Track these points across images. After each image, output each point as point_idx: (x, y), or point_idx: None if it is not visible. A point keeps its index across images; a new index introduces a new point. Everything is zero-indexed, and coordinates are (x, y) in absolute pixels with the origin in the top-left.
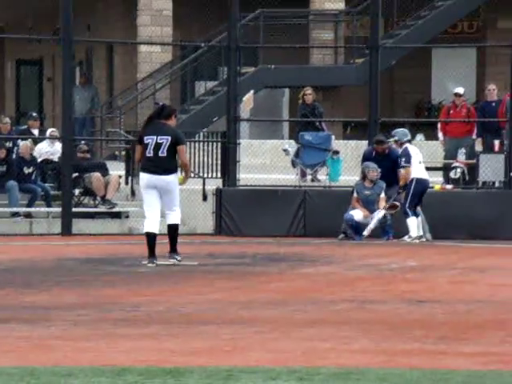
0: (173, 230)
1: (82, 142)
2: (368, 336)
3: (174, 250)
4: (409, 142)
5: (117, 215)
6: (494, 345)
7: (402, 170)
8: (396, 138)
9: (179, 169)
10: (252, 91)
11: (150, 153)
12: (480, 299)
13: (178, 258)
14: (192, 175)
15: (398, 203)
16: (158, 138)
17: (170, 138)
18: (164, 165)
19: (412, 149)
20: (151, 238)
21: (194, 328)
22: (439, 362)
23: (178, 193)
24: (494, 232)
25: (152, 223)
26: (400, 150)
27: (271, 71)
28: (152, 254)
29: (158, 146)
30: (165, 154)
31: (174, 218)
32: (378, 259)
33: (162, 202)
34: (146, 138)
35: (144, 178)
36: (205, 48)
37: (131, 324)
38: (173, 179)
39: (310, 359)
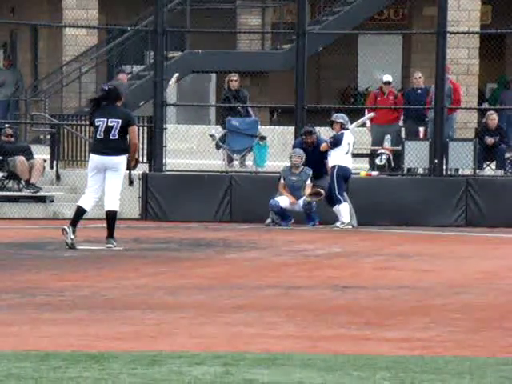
0: (111, 217)
1: (6, 125)
2: (293, 321)
3: (111, 235)
4: (346, 129)
5: (41, 199)
6: (417, 330)
7: (324, 143)
8: (341, 120)
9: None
10: (177, 74)
11: (100, 135)
12: (404, 285)
13: (114, 244)
14: None
15: (321, 191)
16: (109, 120)
17: (120, 121)
18: (115, 146)
19: (347, 137)
20: (79, 211)
21: (119, 313)
22: (363, 348)
23: (122, 179)
24: (418, 218)
25: (87, 200)
26: (334, 134)
27: (198, 56)
28: (73, 223)
29: (108, 128)
30: (116, 137)
31: (113, 204)
32: (304, 245)
33: (104, 185)
34: (96, 120)
35: (94, 159)
36: (131, 32)
37: (55, 309)
38: (122, 160)
39: (236, 344)
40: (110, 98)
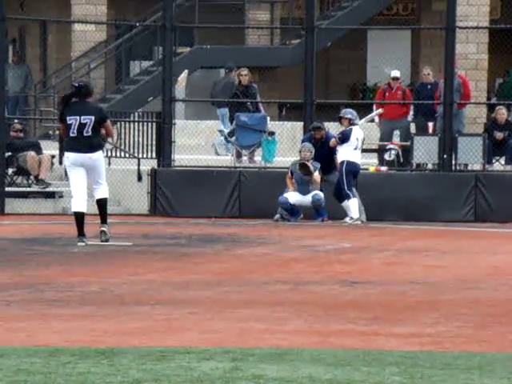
0: (102, 204)
1: (16, 120)
2: (302, 317)
3: (104, 221)
4: (355, 125)
5: (51, 195)
6: (427, 326)
7: (333, 139)
8: (350, 116)
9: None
10: (186, 71)
11: (73, 133)
12: (413, 280)
13: (107, 228)
14: (126, 155)
15: (307, 163)
16: (82, 118)
17: (93, 117)
18: (89, 143)
19: (355, 133)
20: (79, 217)
21: (128, 309)
22: (372, 343)
23: (104, 168)
24: (427, 214)
25: (79, 202)
26: (343, 129)
27: (207, 51)
28: (81, 232)
29: (81, 126)
30: (90, 134)
31: (102, 192)
32: (313, 240)
33: (88, 179)
34: (68, 118)
35: (70, 156)
36: (140, 27)
37: (64, 304)
38: (98, 156)
39: (245, 340)
40: (81, 95)
